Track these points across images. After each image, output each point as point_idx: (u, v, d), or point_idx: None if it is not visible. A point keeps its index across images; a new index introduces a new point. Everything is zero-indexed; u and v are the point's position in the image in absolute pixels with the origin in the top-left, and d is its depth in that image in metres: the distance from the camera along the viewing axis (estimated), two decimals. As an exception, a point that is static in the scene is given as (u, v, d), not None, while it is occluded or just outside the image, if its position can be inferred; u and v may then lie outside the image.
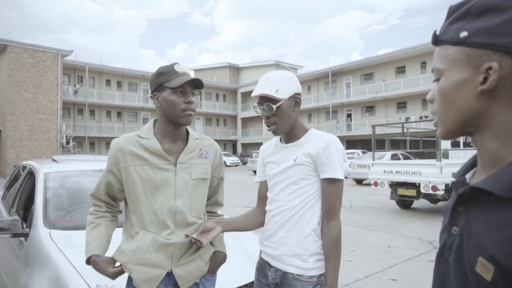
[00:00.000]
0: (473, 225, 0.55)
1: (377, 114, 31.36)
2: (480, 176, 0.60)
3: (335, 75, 33.55)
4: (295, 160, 1.40)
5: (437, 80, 0.62)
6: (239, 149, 40.36)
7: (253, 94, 1.40)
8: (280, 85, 1.38)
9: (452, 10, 0.60)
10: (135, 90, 34.04)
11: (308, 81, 35.83)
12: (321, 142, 1.39)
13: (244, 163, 34.27)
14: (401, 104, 29.70)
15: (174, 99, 1.33)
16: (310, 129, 1.48)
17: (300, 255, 1.36)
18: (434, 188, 7.23)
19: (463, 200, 0.59)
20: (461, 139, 9.13)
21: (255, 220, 1.56)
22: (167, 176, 1.36)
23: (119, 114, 33.10)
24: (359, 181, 14.95)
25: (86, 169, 3.14)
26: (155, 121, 1.47)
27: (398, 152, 12.19)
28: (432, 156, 12.10)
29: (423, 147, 12.10)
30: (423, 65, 28.24)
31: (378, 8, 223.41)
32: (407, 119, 27.73)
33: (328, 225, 1.37)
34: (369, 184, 14.05)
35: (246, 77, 41.67)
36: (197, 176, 1.41)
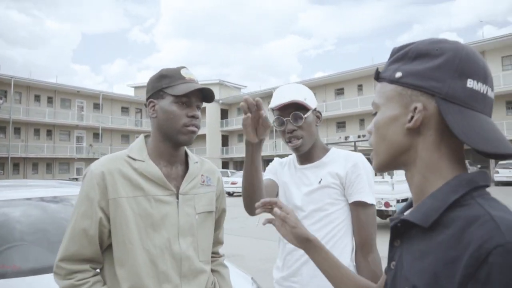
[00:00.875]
0: (404, 258, 0.59)
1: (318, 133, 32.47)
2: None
3: (278, 95, 34.39)
4: (320, 182, 1.22)
5: (375, 114, 0.66)
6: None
7: (279, 102, 1.18)
8: (306, 94, 1.23)
9: (395, 51, 0.65)
10: (68, 107, 31.70)
11: (252, 101, 36.24)
12: (349, 161, 1.24)
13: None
14: (341, 123, 31.15)
15: (175, 110, 1.05)
16: (331, 148, 1.31)
17: None
18: (387, 204, 7.36)
19: (397, 234, 0.62)
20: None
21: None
22: (168, 211, 1.04)
23: (49, 133, 30.39)
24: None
25: (12, 198, 2.50)
26: (146, 137, 1.15)
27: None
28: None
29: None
30: (360, 87, 30.10)
31: (314, 35, 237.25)
32: (346, 138, 29.11)
33: (366, 260, 1.18)
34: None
35: (189, 95, 41.03)
36: (202, 210, 1.12)
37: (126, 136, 35.71)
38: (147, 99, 1.11)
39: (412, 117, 0.58)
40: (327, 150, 1.31)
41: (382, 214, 8.24)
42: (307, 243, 0.84)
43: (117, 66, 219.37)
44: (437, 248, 0.53)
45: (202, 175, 1.16)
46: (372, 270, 1.17)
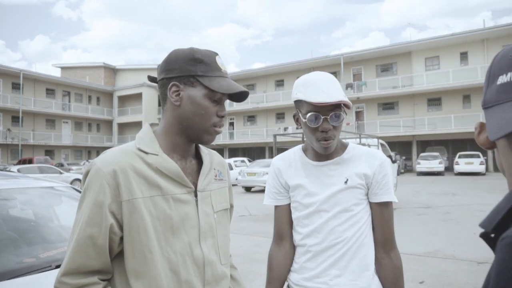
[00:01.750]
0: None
1: (258, 124, 32.89)
2: None
3: (219, 83, 34.04)
4: (346, 182, 1.17)
5: None
6: (115, 157, 37.09)
7: (324, 100, 1.07)
8: (342, 90, 1.14)
9: None
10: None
11: (192, 88, 35.49)
12: (374, 159, 1.19)
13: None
14: (280, 115, 31.84)
15: (209, 106, 0.92)
16: (349, 143, 1.24)
17: None
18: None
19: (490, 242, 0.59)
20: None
21: (287, 265, 1.28)
22: (187, 211, 0.92)
23: (-44, 114, 26.66)
24: (248, 189, 15.16)
25: None
26: (151, 125, 1.00)
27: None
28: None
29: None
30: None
31: (253, 24, 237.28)
32: (285, 128, 29.98)
33: (389, 256, 1.19)
34: (259, 191, 14.56)
35: (124, 79, 38.83)
36: (219, 207, 1.02)
37: (51, 121, 32.68)
38: (168, 78, 0.92)
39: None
40: (345, 146, 1.24)
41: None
42: None
43: (38, 43, 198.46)
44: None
45: (214, 168, 1.05)
46: (395, 266, 1.18)
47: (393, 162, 10.92)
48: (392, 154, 11.64)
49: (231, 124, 34.12)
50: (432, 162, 21.42)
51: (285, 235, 1.28)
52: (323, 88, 1.10)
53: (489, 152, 23.44)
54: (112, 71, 39.65)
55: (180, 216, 0.89)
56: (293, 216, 1.26)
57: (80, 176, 16.40)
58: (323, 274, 1.17)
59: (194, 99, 0.91)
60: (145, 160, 0.89)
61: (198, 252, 0.90)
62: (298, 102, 1.17)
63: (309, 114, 1.11)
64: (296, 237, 1.25)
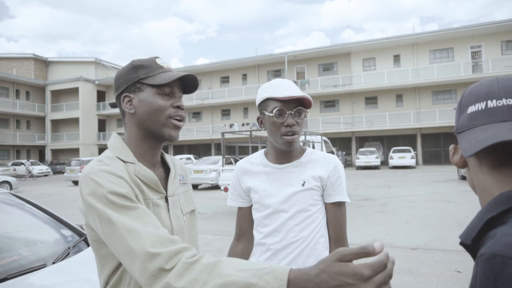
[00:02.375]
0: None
1: (203, 120, 32.56)
2: None
3: (163, 79, 33.07)
4: (303, 184, 1.26)
5: None
6: (49, 156, 34.47)
7: (288, 94, 1.18)
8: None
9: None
10: None
11: (133, 83, 34.03)
12: (329, 163, 1.29)
13: (57, 172, 29.59)
14: (226, 111, 31.80)
15: (159, 101, 0.96)
16: (307, 147, 1.35)
17: None
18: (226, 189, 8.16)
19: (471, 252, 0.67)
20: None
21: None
22: (162, 215, 0.97)
23: None
24: (195, 186, 14.99)
25: None
26: (119, 135, 1.03)
27: (231, 157, 12.80)
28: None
29: (252, 152, 13.07)
30: (245, 76, 31.15)
31: (197, 19, 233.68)
32: (231, 125, 30.02)
33: None
34: (207, 189, 14.45)
35: (57, 73, 36.08)
36: (187, 210, 1.08)
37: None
38: (119, 94, 0.98)
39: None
40: (304, 150, 1.34)
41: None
42: None
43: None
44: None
45: (178, 173, 1.10)
46: None
47: (335, 157, 11.46)
48: (334, 149, 12.23)
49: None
50: (370, 157, 22.82)
51: (245, 233, 1.39)
52: (287, 87, 1.23)
53: (418, 147, 25.60)
54: (43, 63, 36.60)
55: (159, 220, 0.92)
56: (254, 216, 1.33)
57: (8, 178, 15.00)
58: None
59: (145, 100, 0.95)
60: (126, 169, 0.92)
61: None
62: (263, 104, 1.25)
63: (276, 109, 1.20)
64: (257, 236, 1.31)
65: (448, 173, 17.39)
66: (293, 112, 1.21)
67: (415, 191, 11.26)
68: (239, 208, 1.40)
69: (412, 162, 22.30)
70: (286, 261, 1.25)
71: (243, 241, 1.39)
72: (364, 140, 27.70)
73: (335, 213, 1.28)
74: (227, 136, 9.39)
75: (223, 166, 9.06)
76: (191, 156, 21.32)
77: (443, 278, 3.83)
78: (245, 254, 1.38)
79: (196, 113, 33.08)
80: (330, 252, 1.28)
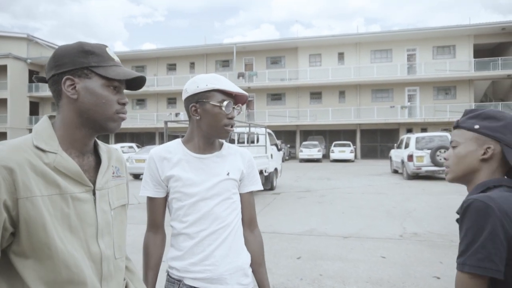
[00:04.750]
0: None
1: (148, 108, 31.46)
2: None
3: (104, 62, 31.27)
4: (228, 174, 1.34)
5: (454, 147, 1.08)
6: (-30, 140, 31.11)
7: (237, 90, 1.31)
8: None
9: (468, 112, 1.09)
10: None
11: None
12: (244, 156, 1.42)
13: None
14: (171, 100, 31.00)
15: (108, 95, 0.94)
16: (223, 142, 1.44)
17: (242, 270, 1.33)
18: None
19: None
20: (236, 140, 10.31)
21: (162, 252, 1.40)
22: (85, 209, 0.92)
23: None
24: (136, 176, 14.50)
25: None
26: (50, 118, 0.96)
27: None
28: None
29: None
30: (192, 65, 30.53)
31: (144, 1, 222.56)
32: (176, 114, 29.33)
33: (253, 233, 1.43)
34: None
35: (-18, 48, 32.50)
36: (117, 204, 1.03)
37: None
38: (60, 73, 0.92)
39: (485, 152, 1.00)
40: (221, 144, 1.42)
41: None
42: None
43: None
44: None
45: (112, 165, 1.05)
46: (259, 241, 1.43)
47: (279, 150, 11.75)
48: (278, 142, 12.51)
49: (118, 107, 31.89)
50: (312, 150, 23.71)
51: (160, 224, 1.39)
52: (231, 83, 1.33)
53: (358, 142, 27.08)
54: (-35, 37, 32.76)
55: (78, 215, 0.89)
56: (175, 206, 1.32)
57: None
58: (210, 256, 1.28)
59: (93, 90, 0.92)
60: (42, 160, 0.85)
61: (95, 249, 0.92)
62: (206, 94, 1.27)
63: (226, 102, 1.28)
64: (178, 226, 1.31)
65: (382, 167, 18.65)
66: (236, 107, 1.35)
67: (352, 183, 11.93)
68: (153, 199, 1.35)
69: (351, 156, 23.53)
70: (213, 246, 1.29)
71: (161, 232, 1.39)
72: (308, 133, 28.65)
73: (249, 200, 1.43)
74: (171, 125, 9.15)
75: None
76: (133, 144, 20.56)
77: (369, 263, 4.13)
78: (163, 246, 1.40)
79: (140, 100, 31.86)
80: (245, 233, 1.41)
